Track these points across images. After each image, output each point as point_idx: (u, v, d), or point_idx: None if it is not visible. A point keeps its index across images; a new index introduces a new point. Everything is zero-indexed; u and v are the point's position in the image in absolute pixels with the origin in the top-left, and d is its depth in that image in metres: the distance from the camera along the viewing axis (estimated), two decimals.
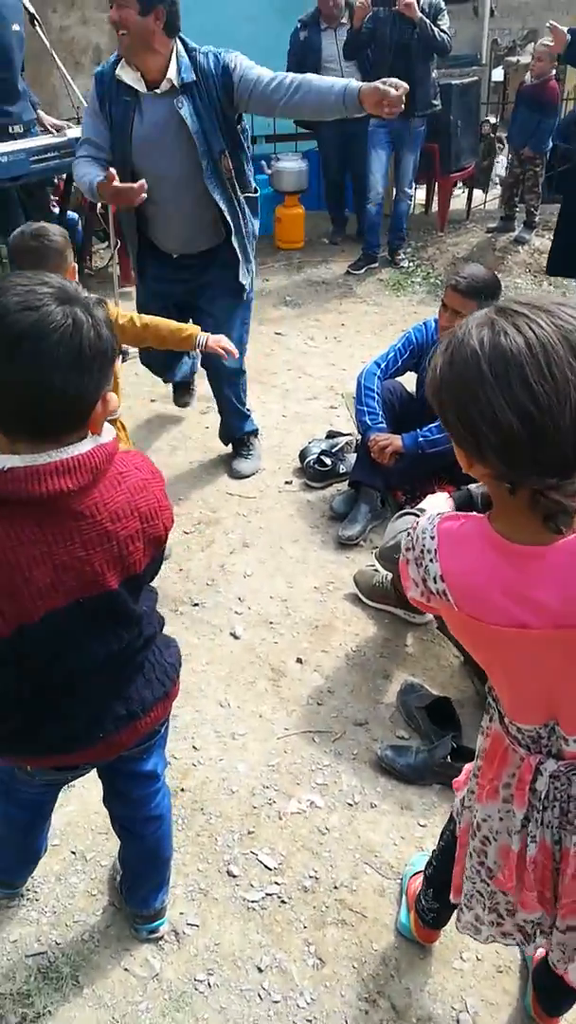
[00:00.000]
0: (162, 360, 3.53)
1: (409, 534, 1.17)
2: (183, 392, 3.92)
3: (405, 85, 2.56)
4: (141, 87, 2.71)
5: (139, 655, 1.35)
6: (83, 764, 1.42)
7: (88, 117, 2.89)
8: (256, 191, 3.11)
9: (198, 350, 2.62)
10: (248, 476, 3.46)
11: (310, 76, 2.71)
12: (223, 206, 2.87)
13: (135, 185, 2.63)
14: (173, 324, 2.60)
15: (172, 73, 2.67)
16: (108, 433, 1.18)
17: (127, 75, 2.71)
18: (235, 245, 3.00)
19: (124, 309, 2.67)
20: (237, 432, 3.52)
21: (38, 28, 4.16)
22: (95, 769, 1.53)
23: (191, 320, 3.04)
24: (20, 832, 1.64)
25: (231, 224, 2.94)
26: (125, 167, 2.82)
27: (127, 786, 1.53)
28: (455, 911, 1.54)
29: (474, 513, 1.14)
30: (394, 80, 2.57)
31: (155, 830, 1.60)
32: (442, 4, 5.19)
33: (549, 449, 0.92)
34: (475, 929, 1.35)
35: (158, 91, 2.70)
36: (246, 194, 3.01)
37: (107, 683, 1.32)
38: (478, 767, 1.28)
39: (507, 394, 0.91)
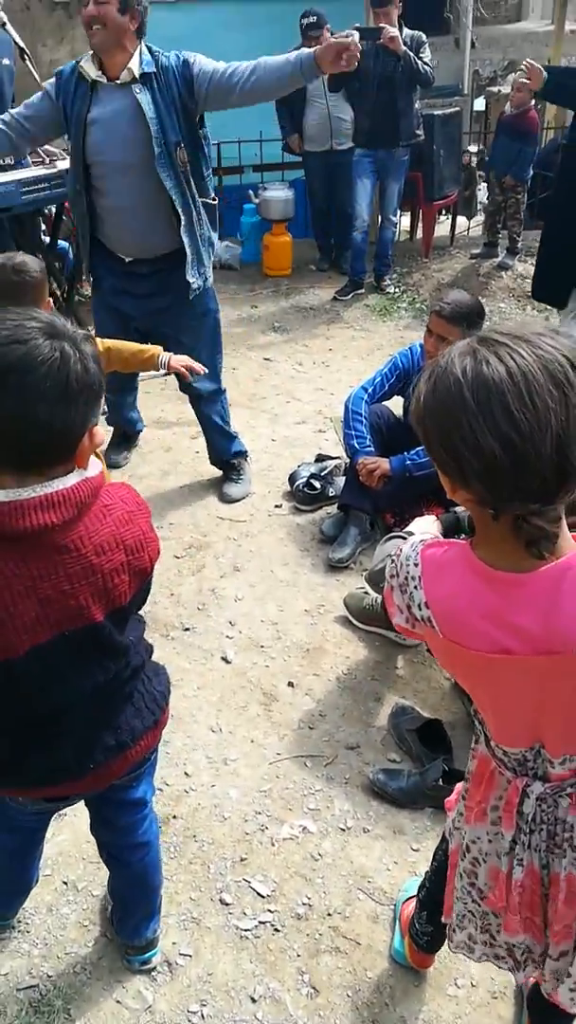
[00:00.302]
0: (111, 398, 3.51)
1: (393, 561, 1.18)
2: (120, 446, 3.75)
3: (355, 34, 2.64)
4: (102, 79, 2.80)
5: (127, 685, 1.35)
6: (73, 795, 1.41)
7: (37, 96, 2.93)
8: (215, 199, 3.12)
9: (162, 370, 2.61)
10: (238, 500, 3.46)
11: (264, 58, 2.79)
12: (174, 196, 2.86)
13: None
14: (134, 345, 2.59)
15: (133, 64, 2.77)
16: (94, 467, 1.19)
17: (90, 68, 2.79)
18: (184, 240, 2.94)
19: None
20: (224, 454, 3.53)
21: (28, 62, 4.22)
22: (72, 806, 1.52)
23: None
24: (11, 858, 1.63)
25: (182, 217, 2.91)
26: (77, 158, 2.89)
27: (115, 814, 1.53)
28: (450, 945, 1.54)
29: (457, 539, 1.15)
30: (346, 33, 2.66)
31: (142, 857, 1.59)
32: (423, 37, 5.31)
33: (531, 476, 0.93)
34: (468, 948, 1.35)
35: (118, 81, 2.79)
36: (204, 199, 3.02)
37: (95, 714, 1.32)
38: (466, 789, 1.29)
39: (489, 422, 0.93)
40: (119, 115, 2.79)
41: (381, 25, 5.07)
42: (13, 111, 2.93)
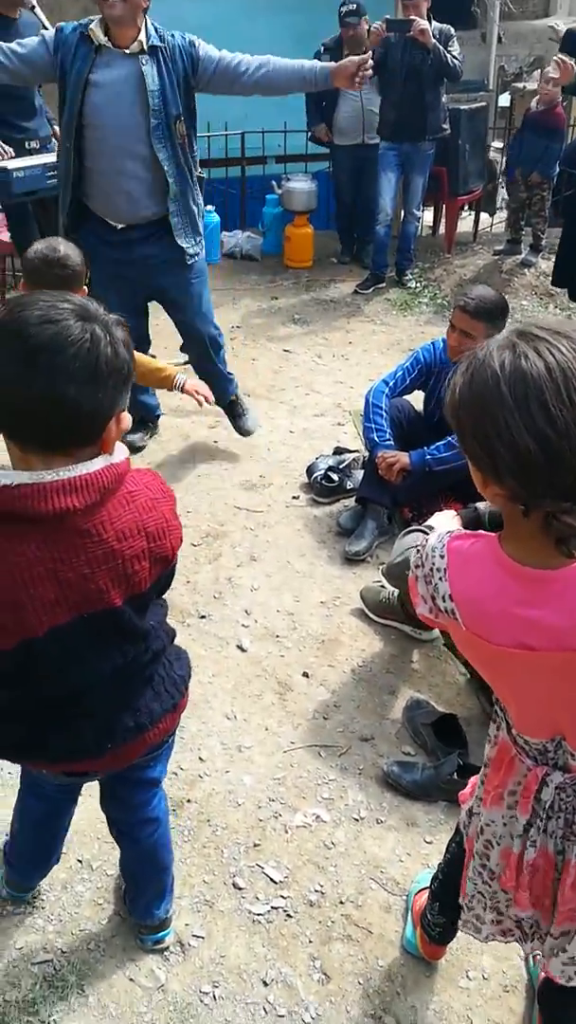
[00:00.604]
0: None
1: (419, 551, 1.18)
2: (137, 430, 3.73)
3: (367, 57, 2.86)
4: (109, 45, 2.88)
5: (147, 669, 1.36)
6: (92, 772, 1.42)
7: (32, 38, 2.97)
8: (201, 175, 3.29)
9: (176, 391, 2.78)
10: (255, 430, 3.73)
11: (272, 57, 2.92)
12: (166, 167, 2.96)
13: None
14: (154, 362, 2.68)
15: (142, 37, 2.87)
16: (120, 453, 1.19)
17: (99, 33, 2.87)
18: (170, 207, 3.04)
19: None
20: (225, 397, 3.68)
21: None
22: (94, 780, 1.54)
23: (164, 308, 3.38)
24: (36, 827, 1.65)
25: (173, 187, 3.01)
26: (72, 116, 2.93)
27: (129, 792, 1.54)
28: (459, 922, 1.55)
29: (484, 532, 1.15)
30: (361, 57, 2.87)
31: (151, 833, 1.60)
32: (452, 31, 5.28)
33: (565, 473, 0.93)
34: (476, 928, 1.36)
35: (126, 51, 2.88)
36: (198, 173, 3.17)
37: (115, 696, 1.33)
38: (484, 774, 1.30)
39: (525, 417, 0.92)
40: (123, 82, 2.88)
41: (411, 18, 5.04)
42: (7, 44, 2.93)
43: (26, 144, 4.21)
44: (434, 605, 1.14)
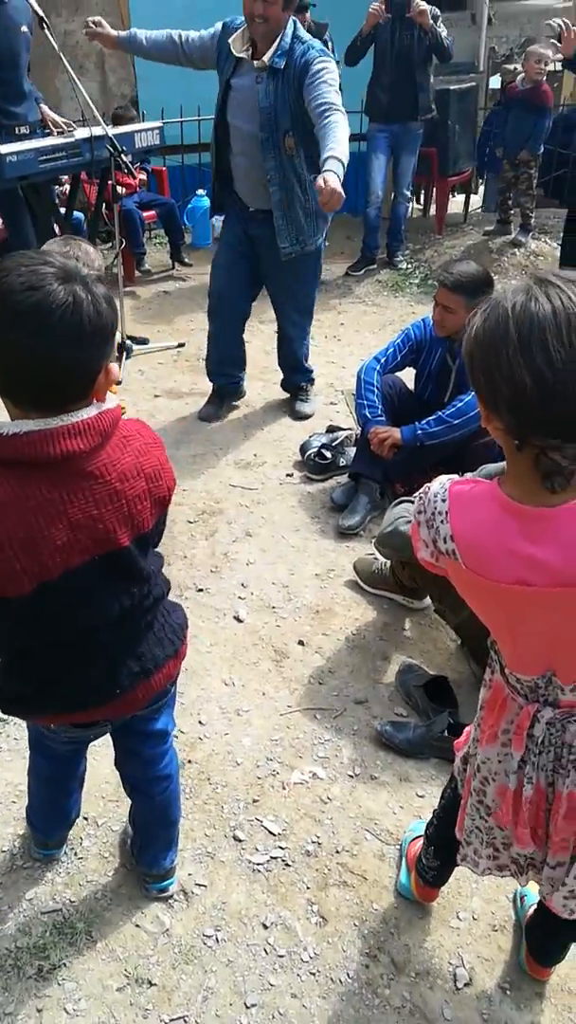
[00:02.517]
0: (227, 327, 3.86)
1: (420, 498, 1.25)
2: (216, 403, 4.00)
3: (331, 182, 2.84)
4: (246, 56, 3.21)
5: (149, 613, 1.43)
6: (101, 721, 1.49)
7: (206, 32, 3.33)
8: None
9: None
10: (309, 416, 3.97)
11: (332, 124, 3.03)
12: (271, 175, 3.30)
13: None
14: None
15: (268, 55, 3.14)
16: (111, 400, 1.27)
17: (238, 45, 3.20)
18: (275, 212, 3.37)
19: (130, 306, 2.73)
20: (294, 383, 4.04)
21: (47, 31, 4.23)
22: (108, 736, 1.61)
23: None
24: (48, 785, 1.73)
25: (274, 193, 3.32)
26: (218, 112, 3.38)
27: (140, 745, 1.61)
28: (453, 868, 1.63)
29: (484, 480, 1.22)
30: (325, 179, 2.85)
31: (164, 789, 1.68)
32: (438, 11, 5.30)
33: (557, 411, 1.00)
34: (473, 862, 1.44)
35: (256, 63, 3.19)
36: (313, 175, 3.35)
37: (120, 641, 1.40)
38: (480, 716, 1.37)
39: (526, 354, 0.99)
40: (248, 92, 3.25)
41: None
42: (185, 33, 3.34)
43: (16, 130, 4.24)
44: (435, 548, 1.20)
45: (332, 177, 2.83)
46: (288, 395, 4.11)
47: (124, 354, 4.40)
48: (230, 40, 3.19)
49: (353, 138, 6.22)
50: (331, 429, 3.74)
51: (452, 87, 6.15)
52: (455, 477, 1.23)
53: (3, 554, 1.18)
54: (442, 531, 1.18)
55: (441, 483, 1.21)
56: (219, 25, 3.30)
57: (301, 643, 2.59)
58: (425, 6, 5.05)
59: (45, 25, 4.22)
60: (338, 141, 2.97)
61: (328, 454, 3.49)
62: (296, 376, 4.04)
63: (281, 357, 4.01)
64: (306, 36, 3.22)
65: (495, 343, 1.02)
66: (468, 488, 1.18)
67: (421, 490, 1.25)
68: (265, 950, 1.72)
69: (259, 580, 2.87)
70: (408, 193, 5.87)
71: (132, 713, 1.49)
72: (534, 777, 1.27)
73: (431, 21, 5.09)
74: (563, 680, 1.22)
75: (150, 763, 1.64)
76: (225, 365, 3.93)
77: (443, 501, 1.18)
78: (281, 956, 1.71)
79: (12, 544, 1.18)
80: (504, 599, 1.16)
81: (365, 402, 3.15)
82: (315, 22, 5.03)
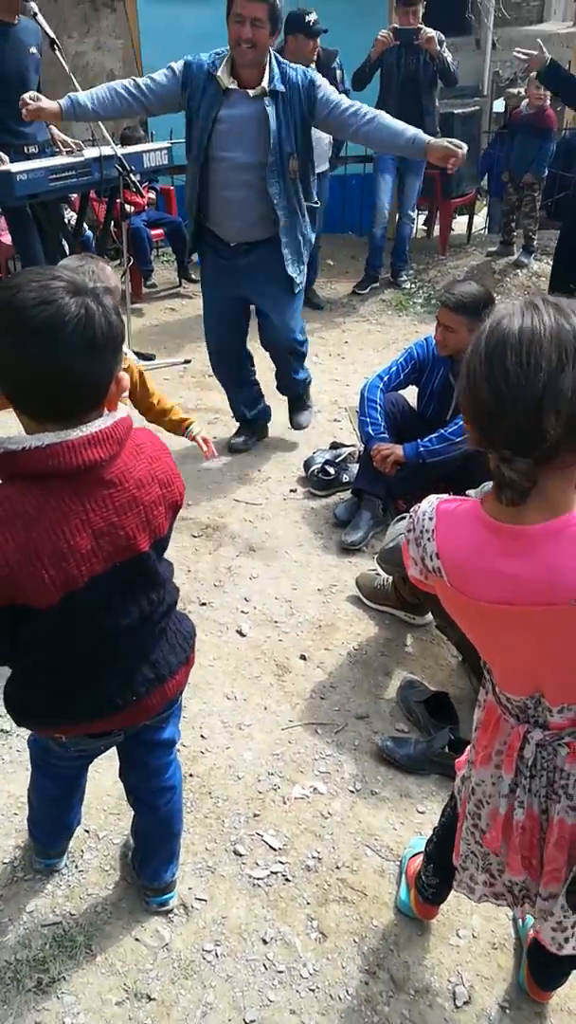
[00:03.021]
0: (235, 375, 3.79)
1: (411, 516, 1.27)
2: (246, 433, 3.92)
3: (465, 146, 3.04)
4: (231, 84, 3.11)
5: (163, 620, 1.46)
6: (115, 730, 1.50)
7: (162, 74, 3.14)
8: (317, 203, 3.49)
9: (187, 437, 2.72)
10: (306, 426, 3.96)
11: (382, 113, 3.11)
12: (276, 200, 3.20)
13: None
14: (166, 403, 2.68)
15: (266, 81, 3.08)
16: (123, 409, 1.30)
17: (225, 78, 3.07)
18: (282, 239, 3.28)
19: (137, 323, 2.78)
20: (293, 391, 3.95)
21: (58, 52, 4.31)
22: (111, 748, 1.62)
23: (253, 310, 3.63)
24: (53, 805, 1.74)
25: (282, 220, 3.24)
26: (200, 150, 3.16)
27: (147, 756, 1.62)
28: (452, 886, 1.63)
29: (471, 498, 1.23)
30: (458, 141, 3.05)
31: (169, 800, 1.68)
32: (443, 36, 5.40)
33: (508, 423, 1.03)
34: (469, 888, 1.43)
35: (251, 93, 3.09)
36: (308, 202, 3.38)
37: (137, 648, 1.43)
38: (475, 737, 1.37)
39: (486, 368, 1.04)
40: (247, 121, 3.11)
41: (419, 26, 5.16)
42: (140, 80, 3.14)
43: (25, 149, 4.29)
44: (423, 566, 1.21)
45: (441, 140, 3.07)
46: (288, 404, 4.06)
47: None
48: (219, 76, 3.05)
49: (359, 160, 6.37)
50: (334, 446, 3.76)
51: (456, 111, 6.25)
52: (444, 496, 1.25)
53: (32, 566, 1.20)
54: (429, 549, 1.19)
55: (430, 501, 1.23)
56: (178, 64, 3.13)
57: (303, 658, 2.60)
58: (432, 33, 5.15)
59: (56, 46, 4.30)
60: (403, 124, 3.11)
61: (331, 470, 3.51)
62: (295, 387, 3.95)
63: (279, 372, 3.89)
64: (283, 60, 3.18)
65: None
66: (454, 506, 1.20)
67: (413, 508, 1.27)
68: (264, 965, 1.72)
69: (262, 595, 2.88)
70: (412, 214, 5.94)
71: (146, 721, 1.51)
72: (525, 801, 1.27)
73: (437, 47, 5.18)
74: (551, 701, 1.22)
75: (156, 774, 1.65)
76: (245, 405, 3.89)
77: (430, 519, 1.20)
78: (280, 972, 1.70)
79: (41, 556, 1.21)
80: (488, 618, 1.17)
81: (368, 419, 3.17)
82: (324, 49, 5.09)
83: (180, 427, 2.69)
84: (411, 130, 3.10)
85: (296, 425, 3.97)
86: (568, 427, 1.02)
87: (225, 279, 3.44)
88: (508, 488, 1.07)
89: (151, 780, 1.65)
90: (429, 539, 1.19)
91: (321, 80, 3.14)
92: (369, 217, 5.83)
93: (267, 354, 3.83)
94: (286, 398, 4.02)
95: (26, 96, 2.91)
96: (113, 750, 1.64)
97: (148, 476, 1.31)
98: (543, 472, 1.05)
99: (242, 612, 2.80)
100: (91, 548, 1.24)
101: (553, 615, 1.10)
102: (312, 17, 4.69)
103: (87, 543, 1.24)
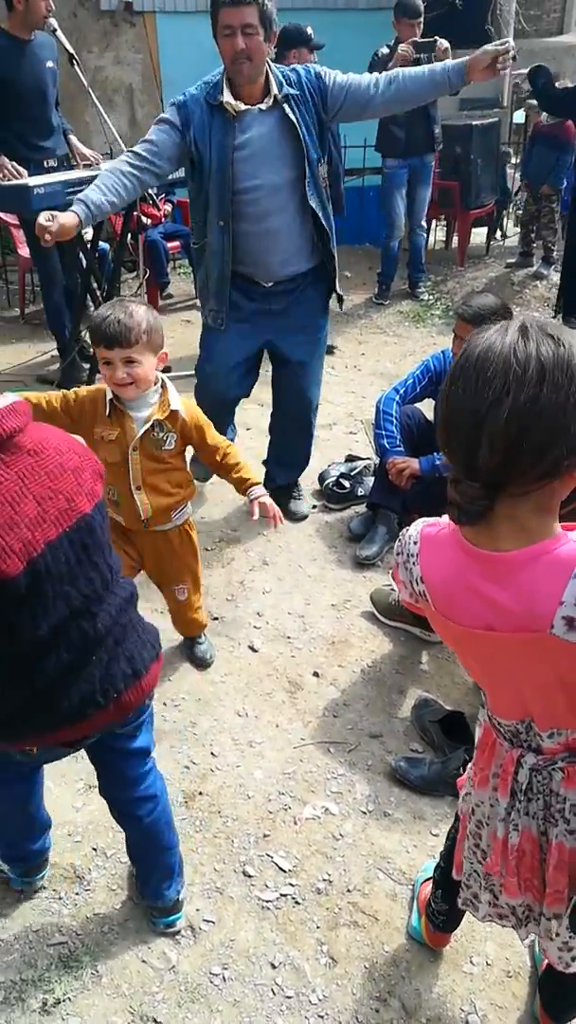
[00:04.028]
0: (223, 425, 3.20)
1: (399, 541, 1.25)
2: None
3: (511, 41, 2.64)
4: (242, 106, 2.73)
5: (128, 612, 1.48)
6: (92, 733, 1.49)
7: (157, 130, 2.77)
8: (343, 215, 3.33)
9: (246, 498, 2.30)
10: (307, 516, 3.44)
11: (400, 70, 2.80)
12: (319, 213, 2.86)
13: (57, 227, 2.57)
14: (235, 456, 2.31)
15: (275, 89, 2.72)
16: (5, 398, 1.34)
17: (231, 100, 2.71)
18: (333, 251, 2.99)
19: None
20: (299, 467, 3.50)
21: (76, 67, 4.35)
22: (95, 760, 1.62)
23: (273, 367, 3.22)
24: (15, 816, 1.74)
25: (329, 233, 2.93)
26: (224, 189, 2.78)
27: (121, 765, 1.62)
28: (464, 912, 1.59)
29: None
30: (499, 40, 2.67)
31: (151, 811, 1.66)
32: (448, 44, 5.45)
33: (455, 444, 1.03)
34: (473, 906, 1.41)
35: (263, 107, 2.74)
36: (336, 215, 3.14)
37: (113, 642, 1.44)
38: (474, 757, 1.35)
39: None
40: (269, 139, 2.75)
41: (435, 39, 5.16)
42: (139, 148, 2.75)
43: (44, 163, 4.33)
44: (412, 589, 1.20)
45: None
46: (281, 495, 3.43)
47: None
48: (225, 102, 2.69)
49: (375, 171, 6.37)
50: (350, 459, 3.74)
51: (475, 122, 6.23)
52: (430, 519, 1.23)
53: None
54: (414, 573, 1.18)
55: (416, 525, 1.22)
56: (169, 112, 2.77)
57: (316, 674, 2.57)
58: (447, 44, 5.17)
59: (75, 61, 4.34)
60: (426, 66, 2.79)
61: (346, 483, 3.49)
62: (295, 473, 3.49)
63: (291, 431, 3.37)
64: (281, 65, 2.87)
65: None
66: (436, 531, 1.18)
67: (402, 532, 1.25)
68: (273, 990, 1.68)
69: (275, 609, 2.86)
70: (424, 224, 5.98)
71: (122, 720, 1.51)
72: (521, 825, 1.24)
73: (451, 58, 5.21)
74: (540, 727, 1.19)
75: (133, 784, 1.64)
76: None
77: (415, 544, 1.19)
78: (289, 997, 1.67)
79: None
80: (472, 643, 1.15)
81: (383, 432, 3.14)
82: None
83: (242, 486, 2.29)
84: (438, 64, 2.74)
85: (297, 513, 3.45)
86: (506, 458, 0.98)
87: (251, 325, 3.03)
88: (455, 508, 1.06)
89: (128, 790, 1.65)
90: (414, 563, 1.19)
91: (325, 69, 2.80)
92: (384, 229, 5.85)
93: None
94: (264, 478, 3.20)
95: (41, 220, 2.55)
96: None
97: (62, 444, 1.36)
98: (509, 499, 1.03)
99: (254, 627, 2.77)
100: (38, 514, 1.28)
101: (533, 642, 1.07)
102: (310, 30, 4.60)
103: (32, 509, 1.27)
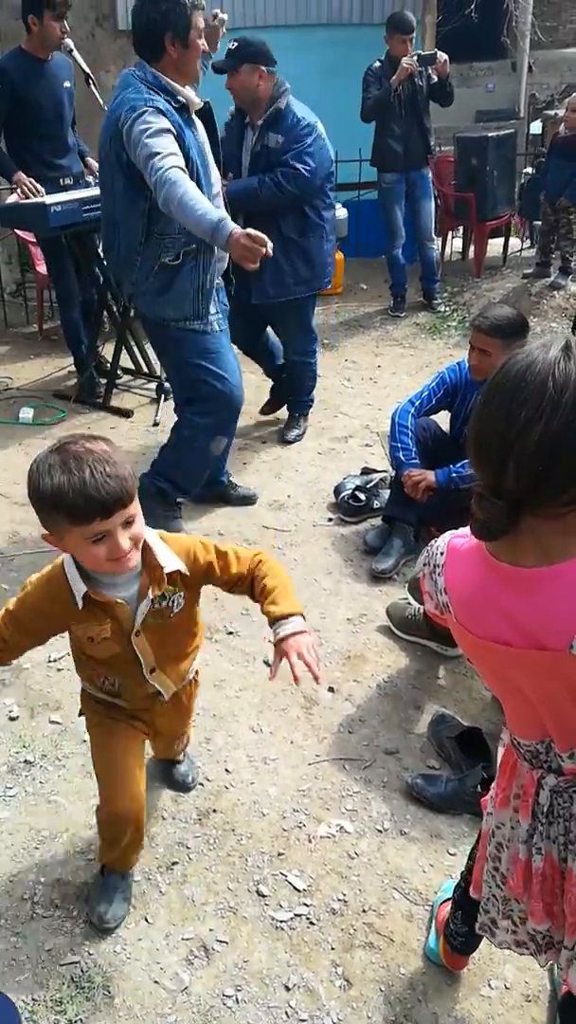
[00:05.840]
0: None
1: (427, 551, 1.24)
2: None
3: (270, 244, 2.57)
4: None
5: None
6: None
7: (162, 141, 2.68)
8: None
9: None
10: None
11: (190, 186, 2.64)
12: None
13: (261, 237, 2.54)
14: (277, 593, 1.78)
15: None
16: None
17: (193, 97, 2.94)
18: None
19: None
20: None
21: (93, 87, 4.39)
22: None
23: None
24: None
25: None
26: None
27: None
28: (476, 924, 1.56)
29: None
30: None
31: None
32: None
33: (484, 460, 1.02)
34: (491, 932, 1.38)
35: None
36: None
37: None
38: (497, 777, 1.32)
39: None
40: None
41: (435, 51, 5.21)
42: (174, 164, 2.65)
43: (60, 181, 4.37)
44: (437, 600, 1.19)
45: None
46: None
47: (162, 396, 4.46)
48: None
49: (352, 187, 6.38)
50: (365, 471, 3.72)
51: (491, 134, 6.23)
52: (459, 531, 1.22)
53: None
54: (439, 583, 1.18)
55: (445, 536, 1.21)
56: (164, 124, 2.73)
57: (331, 690, 2.54)
58: (445, 57, 5.28)
59: (91, 82, 4.38)
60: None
61: (362, 496, 3.47)
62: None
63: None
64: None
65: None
66: (463, 542, 1.17)
67: (430, 543, 1.24)
68: (287, 1013, 1.66)
69: None
70: (434, 237, 6.00)
71: None
72: (543, 848, 1.22)
73: (448, 70, 5.37)
74: (560, 747, 1.17)
75: None
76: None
77: (441, 554, 1.19)
78: (303, 1020, 1.64)
79: None
80: (491, 657, 1.14)
81: (399, 445, 3.13)
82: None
83: (270, 619, 1.77)
84: (217, 216, 2.60)
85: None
86: (533, 483, 0.97)
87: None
88: (476, 523, 1.05)
89: None
90: (440, 574, 1.19)
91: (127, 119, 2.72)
92: (387, 240, 5.87)
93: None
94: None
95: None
96: None
97: None
98: (532, 519, 1.02)
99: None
100: None
101: (548, 660, 1.06)
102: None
103: None
